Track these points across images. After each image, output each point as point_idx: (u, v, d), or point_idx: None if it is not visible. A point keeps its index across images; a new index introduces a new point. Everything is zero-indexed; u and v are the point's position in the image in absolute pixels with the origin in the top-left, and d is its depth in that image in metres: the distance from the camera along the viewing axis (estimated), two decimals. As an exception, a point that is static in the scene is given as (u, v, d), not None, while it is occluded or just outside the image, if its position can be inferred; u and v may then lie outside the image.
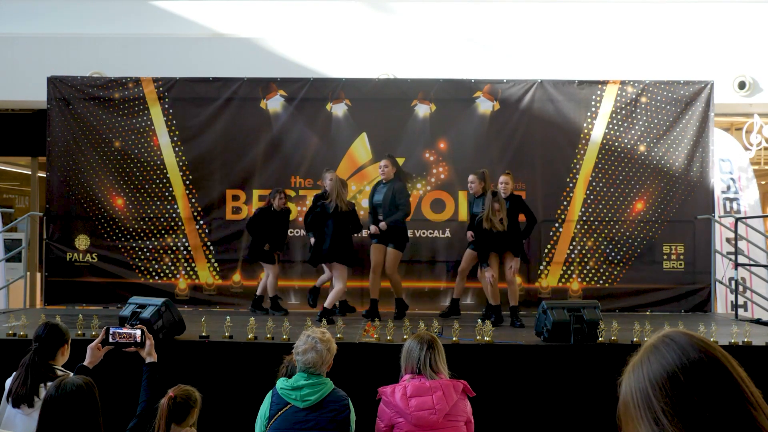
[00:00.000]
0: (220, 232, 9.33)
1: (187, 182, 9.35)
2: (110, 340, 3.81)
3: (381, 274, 8.02)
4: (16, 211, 12.46)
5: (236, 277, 9.30)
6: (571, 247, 9.23)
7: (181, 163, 9.35)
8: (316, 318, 7.26)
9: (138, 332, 3.82)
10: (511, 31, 10.14)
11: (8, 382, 4.02)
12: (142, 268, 9.29)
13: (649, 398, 1.34)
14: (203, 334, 6.26)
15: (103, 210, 9.29)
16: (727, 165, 9.90)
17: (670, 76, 9.42)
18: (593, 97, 9.28)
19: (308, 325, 5.70)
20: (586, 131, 9.27)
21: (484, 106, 9.32)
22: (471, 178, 8.08)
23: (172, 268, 9.31)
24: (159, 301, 6.26)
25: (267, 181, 9.31)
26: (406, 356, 4.07)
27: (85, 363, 3.77)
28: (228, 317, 6.40)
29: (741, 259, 9.00)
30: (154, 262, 9.29)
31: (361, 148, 9.34)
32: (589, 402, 5.94)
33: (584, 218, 9.24)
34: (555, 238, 9.24)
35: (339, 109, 9.36)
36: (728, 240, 9.51)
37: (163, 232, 9.31)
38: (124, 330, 3.85)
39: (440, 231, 9.16)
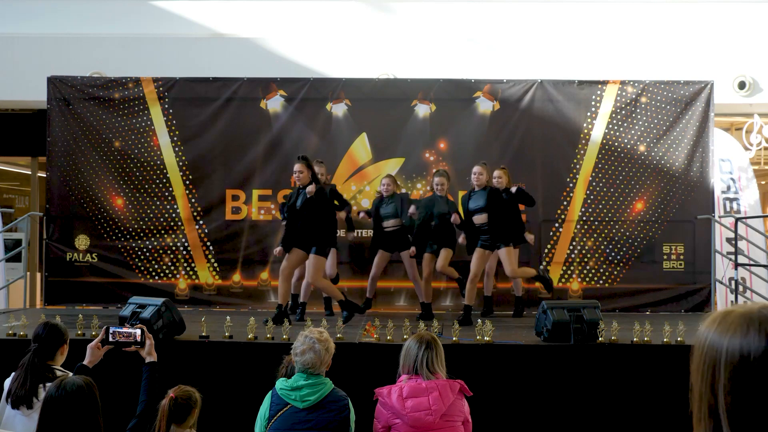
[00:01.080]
0: (219, 232, 9.33)
1: (187, 182, 9.35)
2: (110, 339, 3.81)
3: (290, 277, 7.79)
4: (16, 211, 12.46)
5: (236, 277, 9.31)
6: (571, 247, 9.23)
7: (181, 163, 9.35)
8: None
9: (138, 332, 3.82)
10: (511, 31, 10.13)
11: (7, 382, 4.02)
12: (142, 268, 9.29)
13: (717, 363, 1.32)
14: (203, 334, 6.26)
15: (103, 210, 9.29)
16: (727, 165, 9.90)
17: (670, 76, 9.42)
18: (593, 97, 9.28)
19: (308, 326, 5.70)
20: (586, 131, 9.27)
21: (484, 106, 9.32)
22: (440, 180, 8.15)
23: (172, 268, 9.32)
24: (159, 301, 6.26)
25: (267, 181, 9.32)
26: (404, 356, 4.07)
27: (85, 362, 3.77)
28: (228, 317, 6.40)
29: (741, 259, 8.99)
30: (154, 262, 9.30)
31: (361, 148, 9.34)
32: (589, 402, 5.94)
33: (584, 218, 9.24)
34: (555, 238, 9.24)
35: (339, 109, 9.36)
36: (728, 240, 9.50)
37: (162, 232, 9.32)
38: (124, 329, 3.84)
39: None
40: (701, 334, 1.38)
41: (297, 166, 7.38)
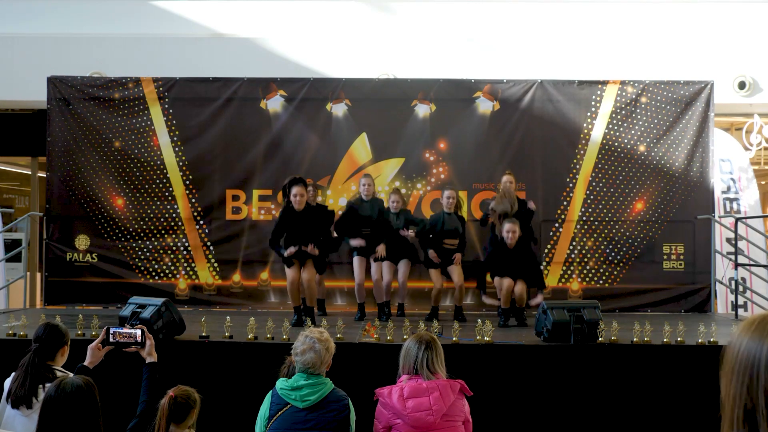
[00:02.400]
0: (220, 232, 9.33)
1: (187, 182, 9.35)
2: (110, 340, 3.81)
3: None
4: (16, 211, 12.46)
5: (236, 277, 9.31)
6: (571, 247, 9.23)
7: (181, 163, 9.35)
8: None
9: (138, 332, 3.83)
10: (511, 31, 10.14)
11: (7, 382, 4.01)
12: (142, 268, 9.29)
13: (756, 369, 1.33)
14: (203, 334, 6.25)
15: (103, 210, 9.29)
16: (727, 165, 9.90)
17: (670, 76, 9.42)
18: (593, 97, 9.28)
19: (308, 326, 5.71)
20: (586, 131, 9.28)
21: (484, 106, 9.32)
22: (451, 193, 8.18)
23: (172, 268, 9.32)
24: (159, 301, 6.25)
25: (267, 181, 9.31)
26: (404, 356, 4.07)
27: (86, 363, 3.77)
28: (228, 317, 6.40)
29: (741, 259, 8.99)
30: (154, 262, 9.29)
31: (361, 148, 9.35)
32: (589, 402, 5.94)
33: (584, 218, 9.24)
34: (555, 238, 9.24)
35: (339, 109, 9.36)
36: (728, 240, 9.51)
37: (163, 232, 9.31)
38: (125, 330, 3.85)
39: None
40: (737, 339, 1.39)
41: (298, 189, 7.37)
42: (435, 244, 8.12)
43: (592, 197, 9.25)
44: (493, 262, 7.76)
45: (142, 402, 3.65)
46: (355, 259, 8.16)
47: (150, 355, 3.82)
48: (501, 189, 8.10)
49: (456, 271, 8.12)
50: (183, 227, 9.32)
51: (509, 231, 7.57)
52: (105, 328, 3.85)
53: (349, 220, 8.11)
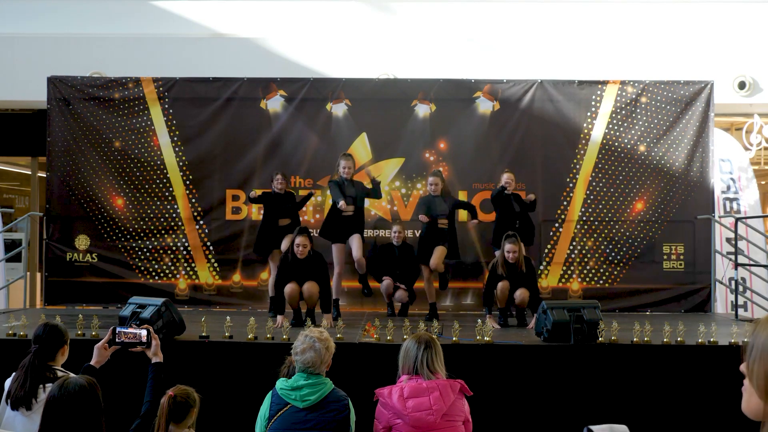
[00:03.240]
0: (220, 232, 9.33)
1: (187, 182, 9.35)
2: (116, 340, 3.82)
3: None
4: (16, 211, 12.46)
5: (236, 277, 9.31)
6: (571, 247, 9.24)
7: (181, 163, 9.35)
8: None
9: (144, 332, 3.83)
10: (511, 31, 10.14)
11: (7, 383, 4.01)
12: (142, 268, 9.29)
13: None
14: (203, 334, 6.25)
15: (103, 210, 9.29)
16: (727, 165, 9.90)
17: (670, 76, 9.42)
18: (593, 97, 9.28)
19: (308, 325, 5.71)
20: (586, 131, 9.28)
21: (484, 106, 9.33)
22: (434, 179, 8.09)
23: (172, 268, 9.32)
24: (159, 301, 6.25)
25: (267, 181, 9.29)
26: (403, 356, 4.07)
27: (92, 363, 3.78)
28: (228, 317, 6.40)
29: (741, 259, 9.00)
30: (154, 262, 9.30)
31: (361, 148, 9.35)
32: (589, 402, 5.94)
33: (584, 218, 9.24)
34: (555, 238, 9.24)
35: (339, 109, 9.36)
36: (728, 240, 9.51)
37: (163, 232, 9.32)
38: (130, 330, 3.85)
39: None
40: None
41: (302, 239, 7.20)
42: (427, 225, 8.09)
43: (592, 197, 9.25)
44: (493, 282, 7.67)
45: (147, 402, 3.66)
46: (334, 247, 7.98)
47: (156, 355, 3.82)
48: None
49: (437, 253, 7.96)
50: (183, 227, 9.32)
51: (510, 251, 7.48)
52: (111, 328, 3.86)
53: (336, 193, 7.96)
